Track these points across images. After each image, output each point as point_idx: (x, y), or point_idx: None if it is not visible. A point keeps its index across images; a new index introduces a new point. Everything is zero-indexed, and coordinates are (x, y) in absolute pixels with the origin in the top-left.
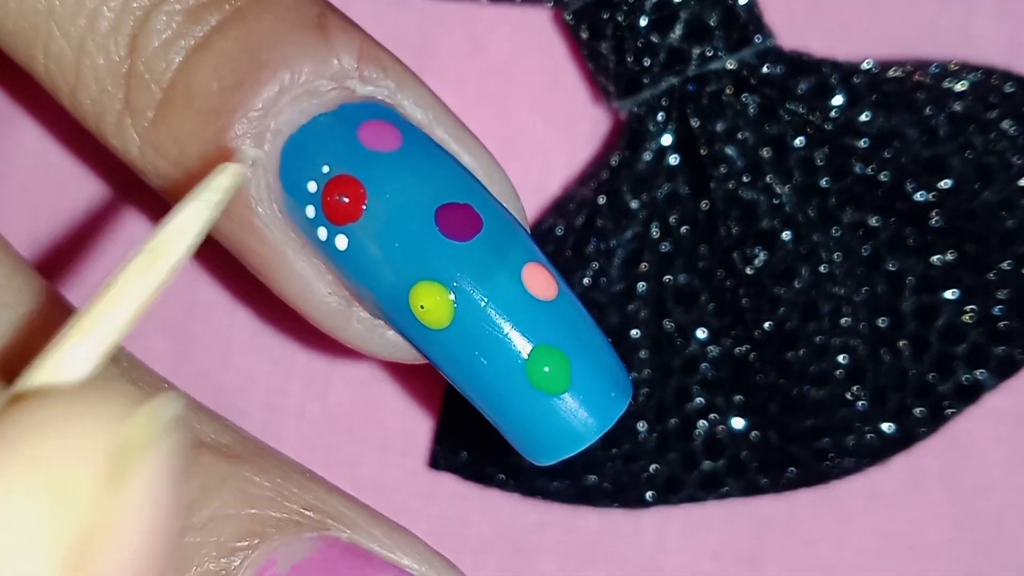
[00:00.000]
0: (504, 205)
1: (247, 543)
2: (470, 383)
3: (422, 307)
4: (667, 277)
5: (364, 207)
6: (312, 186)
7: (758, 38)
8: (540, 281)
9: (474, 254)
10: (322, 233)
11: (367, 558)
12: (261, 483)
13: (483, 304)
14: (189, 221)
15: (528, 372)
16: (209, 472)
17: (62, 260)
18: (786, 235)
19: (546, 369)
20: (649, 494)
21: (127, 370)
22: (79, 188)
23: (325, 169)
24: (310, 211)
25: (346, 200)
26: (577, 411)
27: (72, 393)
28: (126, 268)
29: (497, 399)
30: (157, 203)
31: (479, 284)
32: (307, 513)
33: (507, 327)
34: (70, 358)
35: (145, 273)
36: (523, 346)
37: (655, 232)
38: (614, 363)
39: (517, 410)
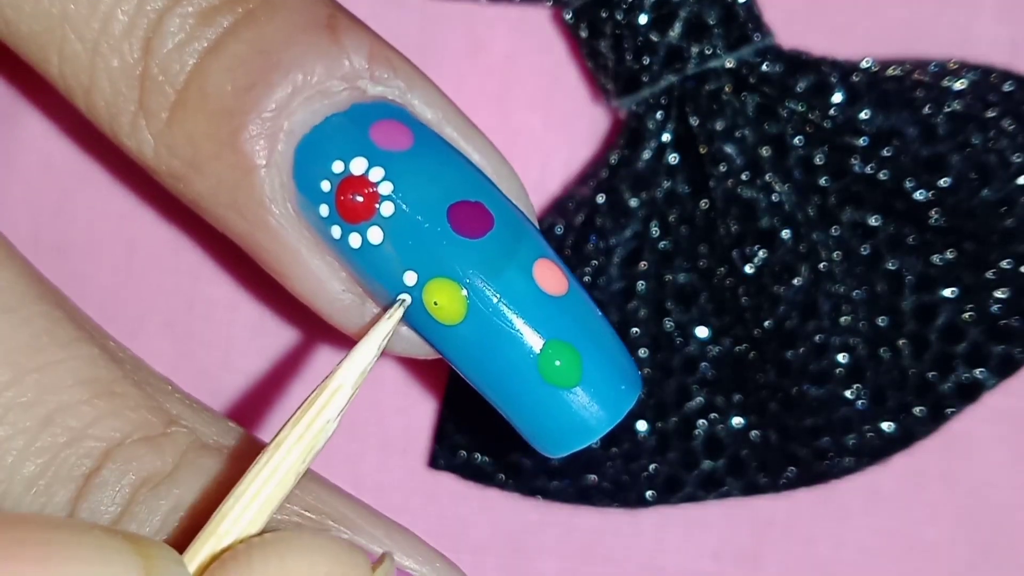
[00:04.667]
0: (514, 202)
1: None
2: (483, 378)
3: (435, 303)
4: (667, 276)
5: (377, 206)
6: (325, 185)
7: (757, 36)
8: (551, 277)
9: (486, 251)
10: (336, 231)
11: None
12: None
13: (495, 300)
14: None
15: (540, 366)
16: (211, 474)
17: (64, 260)
18: (785, 234)
19: (557, 363)
20: (649, 494)
21: (130, 372)
22: (83, 187)
23: (338, 168)
24: (324, 210)
25: (359, 199)
26: (588, 404)
27: None
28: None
29: (509, 393)
30: (160, 202)
31: (491, 280)
32: (307, 514)
33: (519, 322)
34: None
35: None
36: (535, 341)
37: (654, 231)
38: (624, 357)
39: (529, 404)
